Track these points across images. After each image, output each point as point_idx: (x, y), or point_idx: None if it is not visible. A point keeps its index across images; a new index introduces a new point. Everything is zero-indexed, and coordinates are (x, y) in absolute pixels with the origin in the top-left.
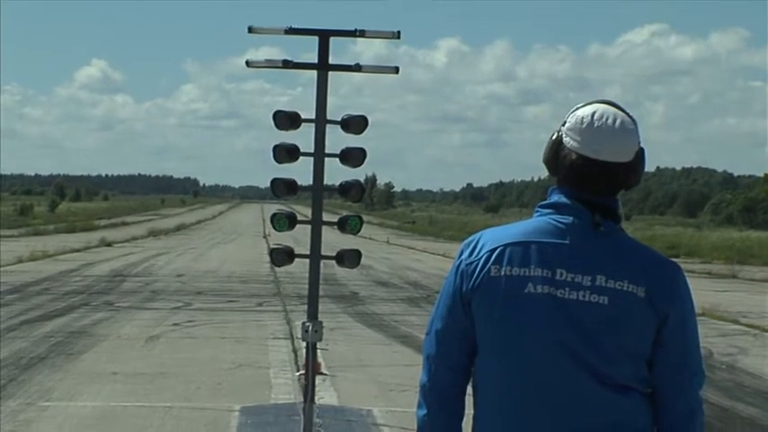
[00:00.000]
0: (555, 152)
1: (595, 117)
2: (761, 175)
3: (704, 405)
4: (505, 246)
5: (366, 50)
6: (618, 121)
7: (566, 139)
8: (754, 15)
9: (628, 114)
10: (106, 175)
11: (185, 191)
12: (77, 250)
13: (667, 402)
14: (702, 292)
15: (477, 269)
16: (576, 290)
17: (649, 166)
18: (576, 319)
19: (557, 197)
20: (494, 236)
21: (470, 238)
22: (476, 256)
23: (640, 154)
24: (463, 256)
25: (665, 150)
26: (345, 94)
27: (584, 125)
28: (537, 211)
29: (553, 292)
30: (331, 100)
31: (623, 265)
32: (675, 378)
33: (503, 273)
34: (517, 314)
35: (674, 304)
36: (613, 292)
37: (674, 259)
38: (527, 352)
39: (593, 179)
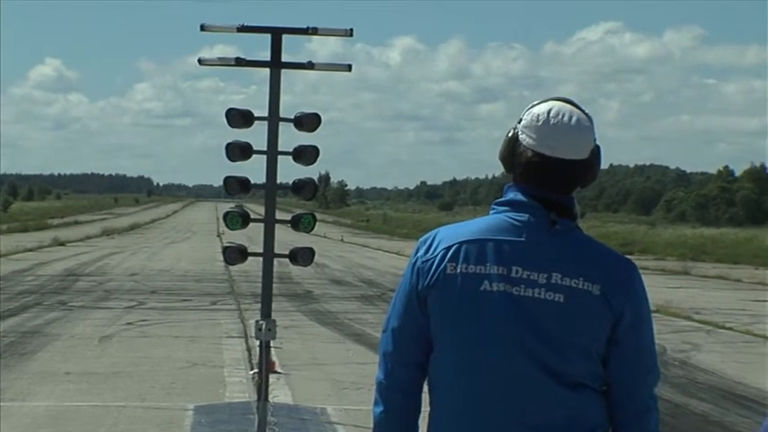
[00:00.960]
0: (511, 150)
1: (551, 114)
2: (713, 172)
3: (659, 402)
4: (461, 243)
5: (321, 49)
6: (574, 119)
7: (522, 137)
8: (708, 13)
9: (584, 112)
10: (59, 175)
11: (139, 190)
12: (30, 250)
13: (622, 399)
14: (656, 288)
15: (433, 267)
16: (532, 287)
17: (603, 164)
18: (531, 316)
19: (512, 194)
20: (450, 233)
21: (426, 236)
22: (432, 254)
23: (596, 151)
24: (419, 254)
25: (619, 148)
26: (301, 92)
27: (539, 122)
28: (493, 209)
29: (509, 289)
30: (286, 98)
31: (579, 263)
32: (630, 375)
33: (459, 270)
34: (473, 312)
35: (629, 302)
36: (568, 289)
37: (628, 256)
38: (482, 349)
39: (549, 176)
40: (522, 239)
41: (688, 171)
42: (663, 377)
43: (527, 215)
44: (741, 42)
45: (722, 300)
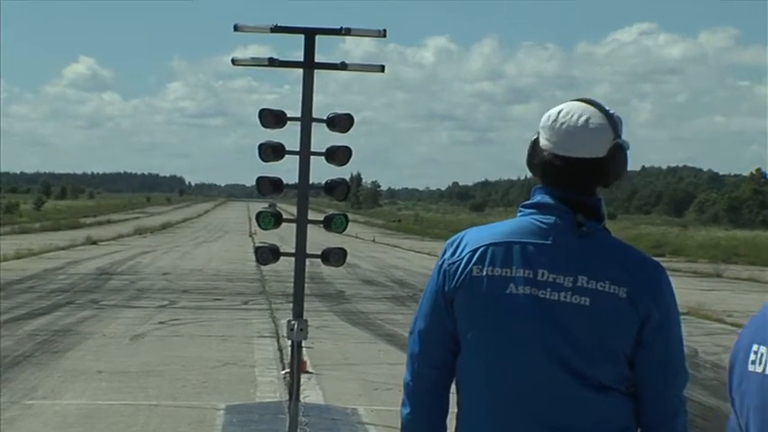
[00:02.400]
0: (532, 152)
1: (561, 114)
2: (746, 174)
3: (688, 404)
4: (488, 246)
5: (355, 49)
6: (583, 118)
7: (540, 139)
8: (744, 14)
9: (604, 111)
10: (92, 173)
11: (171, 189)
12: (63, 248)
13: (650, 402)
14: (688, 291)
15: (460, 269)
16: (558, 291)
17: (635, 165)
18: (558, 319)
19: (539, 197)
20: (476, 235)
21: (453, 238)
22: (458, 256)
23: (616, 150)
24: (446, 256)
25: (652, 149)
26: (333, 92)
27: (550, 123)
28: (520, 211)
29: (534, 292)
30: (318, 98)
31: (605, 266)
32: (658, 378)
33: (485, 273)
34: (499, 315)
35: (656, 304)
36: (595, 292)
37: (659, 258)
38: (508, 352)
39: (565, 176)
40: (549, 242)
41: (721, 173)
42: (694, 380)
43: (553, 218)
44: None
45: (754, 302)
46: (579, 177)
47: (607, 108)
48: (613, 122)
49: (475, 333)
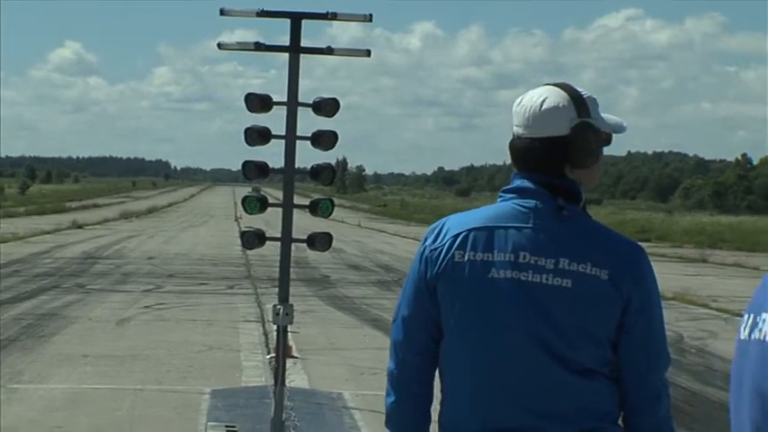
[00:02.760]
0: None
1: (525, 98)
2: (732, 159)
3: (673, 389)
4: (469, 231)
5: (342, 34)
6: (542, 98)
7: (513, 126)
8: (729, 1)
9: (570, 91)
10: (77, 158)
11: (157, 173)
12: (48, 232)
13: (632, 385)
14: (673, 276)
15: (442, 255)
16: (540, 273)
17: (620, 150)
18: (539, 302)
19: (519, 182)
20: (458, 221)
21: (435, 224)
22: (440, 242)
23: (580, 128)
24: (427, 242)
25: (638, 134)
26: (320, 77)
27: (515, 107)
28: (500, 197)
29: (516, 275)
30: (305, 83)
31: (586, 248)
32: (640, 361)
33: (467, 258)
34: (482, 299)
35: (637, 287)
36: (576, 274)
37: (644, 243)
38: (492, 337)
39: (529, 156)
40: (530, 225)
41: (706, 158)
42: (680, 365)
43: (534, 201)
44: (762, 30)
45: (739, 288)
46: (542, 157)
47: (578, 89)
48: (579, 102)
49: (457, 319)
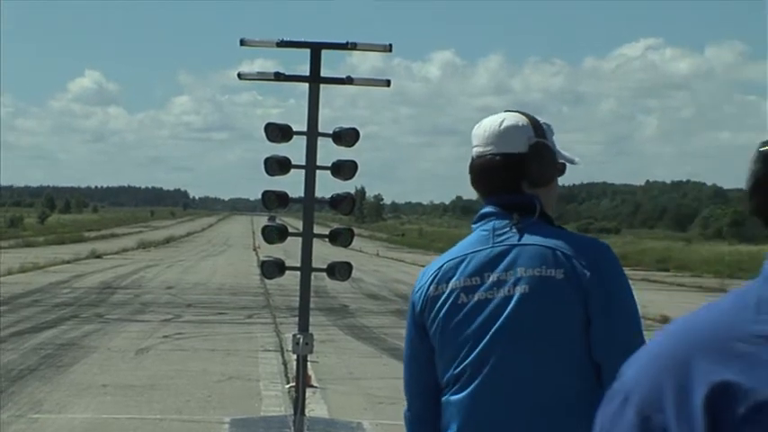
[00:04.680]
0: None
1: (484, 120)
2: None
3: None
4: (441, 265)
5: (362, 63)
6: (502, 118)
7: (472, 150)
8: (751, 29)
9: (529, 116)
10: (96, 187)
11: (175, 203)
12: (67, 262)
13: (605, 378)
14: (693, 305)
15: (422, 293)
16: (499, 287)
17: (639, 180)
18: (504, 314)
19: (482, 210)
20: (438, 259)
21: (424, 268)
22: (422, 282)
23: (539, 147)
24: (415, 284)
25: (657, 164)
26: (340, 107)
27: (475, 130)
28: (472, 228)
29: (481, 296)
30: (325, 112)
31: (541, 253)
32: (609, 354)
33: (439, 290)
34: (455, 326)
35: (596, 280)
36: (531, 279)
37: (663, 273)
38: (468, 360)
39: (486, 174)
40: (489, 246)
41: (725, 187)
42: None
43: (492, 222)
44: None
45: None
46: (499, 173)
47: (535, 117)
48: (536, 125)
49: (441, 350)
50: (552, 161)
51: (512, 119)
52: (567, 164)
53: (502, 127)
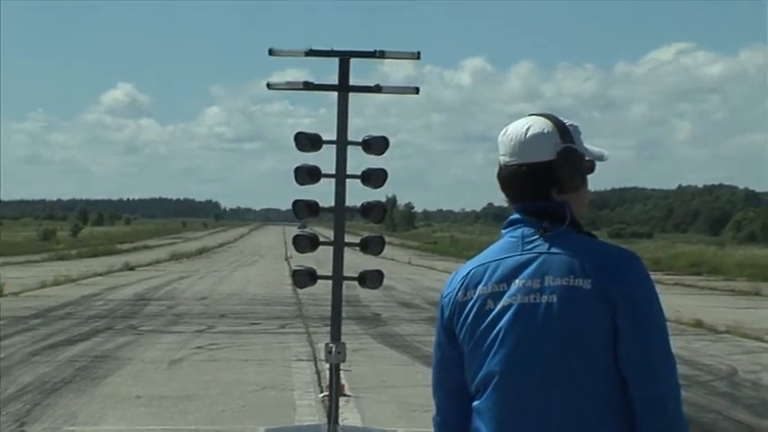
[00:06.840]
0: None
1: (509, 127)
2: None
3: (729, 423)
4: (470, 271)
5: (393, 71)
6: (527, 126)
7: (499, 157)
8: None
9: (553, 119)
10: (128, 199)
11: (207, 214)
12: (100, 274)
13: (632, 390)
14: (726, 309)
15: (452, 298)
16: (528, 294)
17: (671, 184)
18: (531, 322)
19: (512, 216)
20: (466, 265)
21: (453, 273)
22: (450, 287)
23: (566, 153)
24: (443, 290)
25: (689, 167)
26: (371, 114)
27: (501, 137)
28: (501, 233)
29: (507, 303)
30: (355, 120)
31: (571, 262)
32: (636, 365)
33: (468, 296)
34: (483, 332)
35: (624, 292)
36: (560, 288)
37: (696, 277)
38: (497, 366)
39: (516, 183)
40: (518, 253)
41: (757, 191)
42: (735, 399)
43: (521, 229)
44: None
45: None
46: (528, 182)
47: (560, 118)
48: (563, 130)
49: (470, 355)
50: (581, 166)
51: (537, 126)
52: (597, 161)
53: (528, 135)
